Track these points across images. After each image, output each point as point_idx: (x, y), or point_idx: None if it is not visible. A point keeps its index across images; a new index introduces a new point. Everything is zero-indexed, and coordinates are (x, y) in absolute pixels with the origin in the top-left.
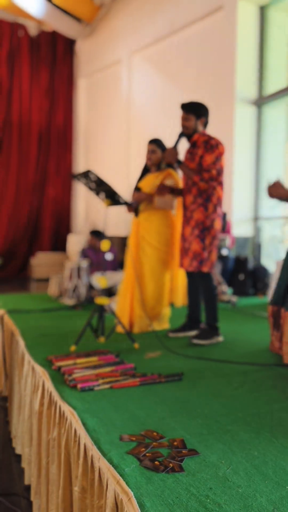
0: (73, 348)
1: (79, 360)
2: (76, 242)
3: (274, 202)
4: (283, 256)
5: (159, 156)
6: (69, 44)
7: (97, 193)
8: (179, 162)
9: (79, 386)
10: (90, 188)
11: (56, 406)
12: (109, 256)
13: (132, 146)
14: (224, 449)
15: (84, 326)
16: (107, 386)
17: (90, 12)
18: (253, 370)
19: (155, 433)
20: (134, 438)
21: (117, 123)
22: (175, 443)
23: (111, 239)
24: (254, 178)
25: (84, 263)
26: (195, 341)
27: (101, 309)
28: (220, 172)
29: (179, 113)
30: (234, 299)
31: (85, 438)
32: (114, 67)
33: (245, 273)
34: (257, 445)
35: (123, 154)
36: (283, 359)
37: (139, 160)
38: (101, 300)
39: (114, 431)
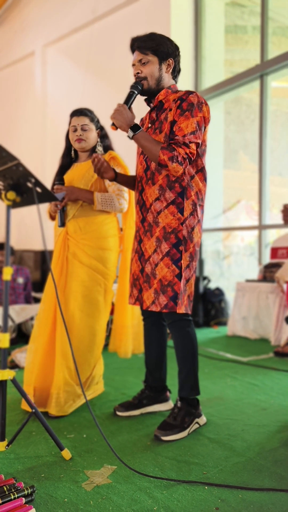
0: None
1: None
2: None
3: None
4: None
5: (93, 136)
6: None
7: None
8: (134, 128)
9: None
10: None
11: None
12: (19, 280)
13: (47, 147)
14: None
15: None
16: None
17: None
18: None
19: None
20: None
21: (31, 122)
22: None
23: (21, 254)
24: None
25: None
26: (165, 438)
27: (1, 388)
28: (202, 151)
29: (103, 109)
30: None
31: None
32: (26, 60)
33: (193, 298)
34: None
35: (38, 155)
36: None
37: (56, 161)
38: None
39: None
